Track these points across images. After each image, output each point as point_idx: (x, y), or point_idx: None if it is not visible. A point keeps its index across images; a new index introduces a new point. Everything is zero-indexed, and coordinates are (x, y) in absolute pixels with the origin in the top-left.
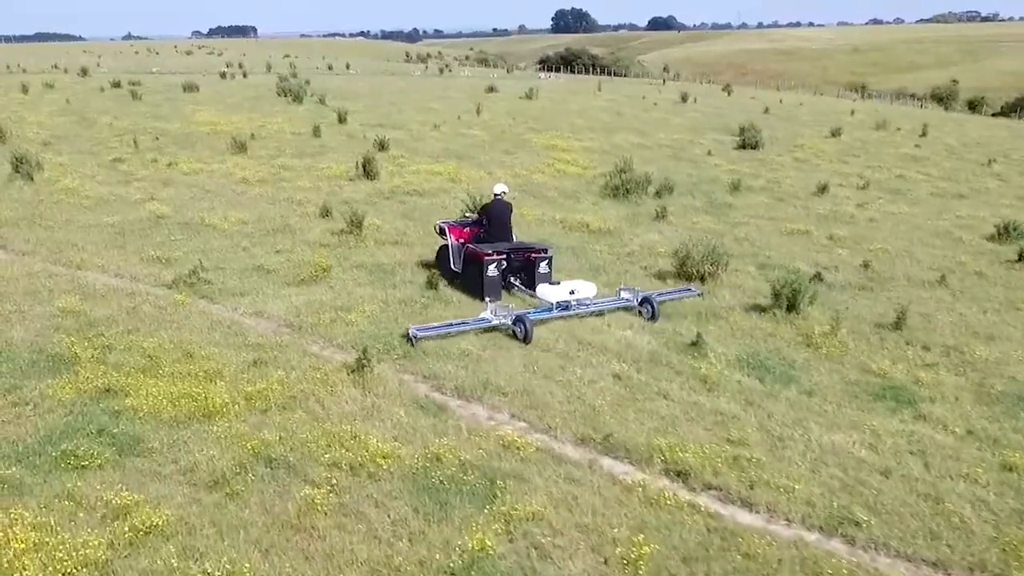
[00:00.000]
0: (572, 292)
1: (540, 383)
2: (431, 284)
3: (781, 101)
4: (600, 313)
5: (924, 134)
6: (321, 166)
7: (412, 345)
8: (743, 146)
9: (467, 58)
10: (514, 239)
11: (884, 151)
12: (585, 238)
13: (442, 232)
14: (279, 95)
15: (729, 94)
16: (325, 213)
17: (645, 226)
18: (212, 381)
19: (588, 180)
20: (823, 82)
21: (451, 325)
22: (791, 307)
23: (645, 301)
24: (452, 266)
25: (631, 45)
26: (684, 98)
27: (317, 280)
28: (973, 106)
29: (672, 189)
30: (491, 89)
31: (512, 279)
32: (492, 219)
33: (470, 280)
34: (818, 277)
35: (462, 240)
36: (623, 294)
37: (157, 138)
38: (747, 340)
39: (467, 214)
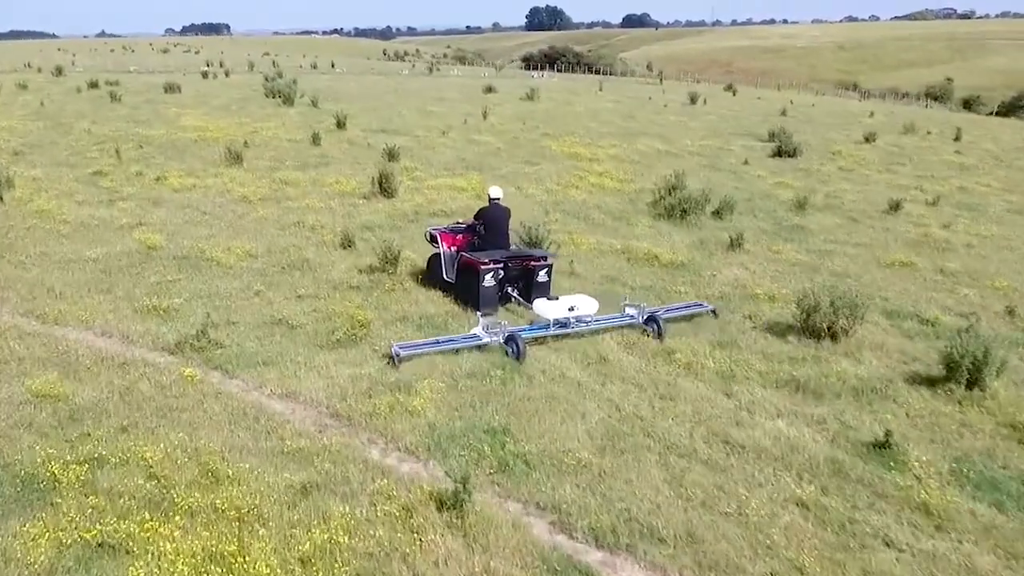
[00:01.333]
0: (571, 309)
1: (702, 518)
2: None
3: (792, 102)
4: (598, 331)
5: (958, 138)
6: (328, 180)
7: (395, 366)
8: (779, 154)
9: (445, 56)
10: (509, 246)
11: (926, 158)
12: (658, 274)
13: (433, 239)
14: (267, 96)
15: (734, 94)
16: (346, 243)
17: (721, 257)
18: (249, 527)
19: (631, 196)
20: (811, 80)
21: (438, 343)
22: (972, 382)
23: (651, 320)
24: (444, 276)
25: (611, 43)
26: (693, 99)
27: (356, 340)
28: (968, 105)
29: (732, 208)
30: (489, 90)
31: (509, 289)
32: (488, 225)
33: (464, 291)
34: (969, 331)
35: (455, 248)
36: (628, 310)
37: (141, 147)
38: (939, 435)
39: (459, 221)
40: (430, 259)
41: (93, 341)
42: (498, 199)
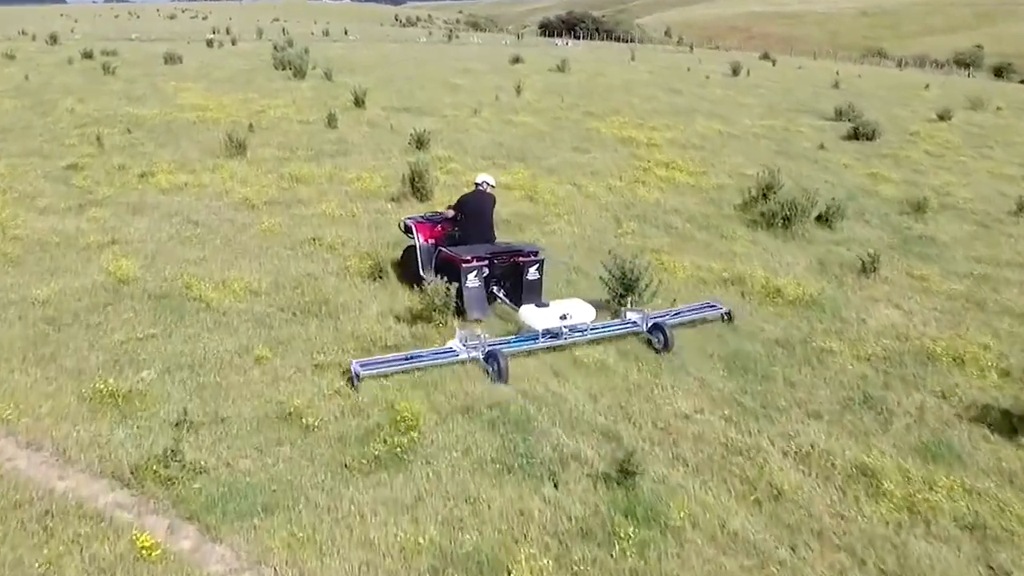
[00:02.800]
0: (564, 317)
1: None
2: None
3: (837, 73)
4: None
5: None
6: (348, 175)
7: (354, 387)
8: (856, 136)
9: (457, 21)
10: (494, 239)
11: (1012, 139)
12: (788, 317)
13: (408, 231)
14: (276, 68)
15: (773, 64)
16: (377, 272)
17: (856, 287)
18: None
19: (710, 195)
20: (834, 47)
21: (407, 359)
22: None
23: (656, 328)
24: (421, 272)
25: (627, 7)
26: (735, 70)
27: (401, 459)
28: (1000, 72)
29: (842, 213)
30: (516, 60)
31: (495, 288)
32: (468, 214)
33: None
34: None
35: (433, 241)
36: (630, 315)
37: (129, 130)
38: None
39: (438, 210)
40: (405, 251)
41: (10, 457)
42: (484, 185)
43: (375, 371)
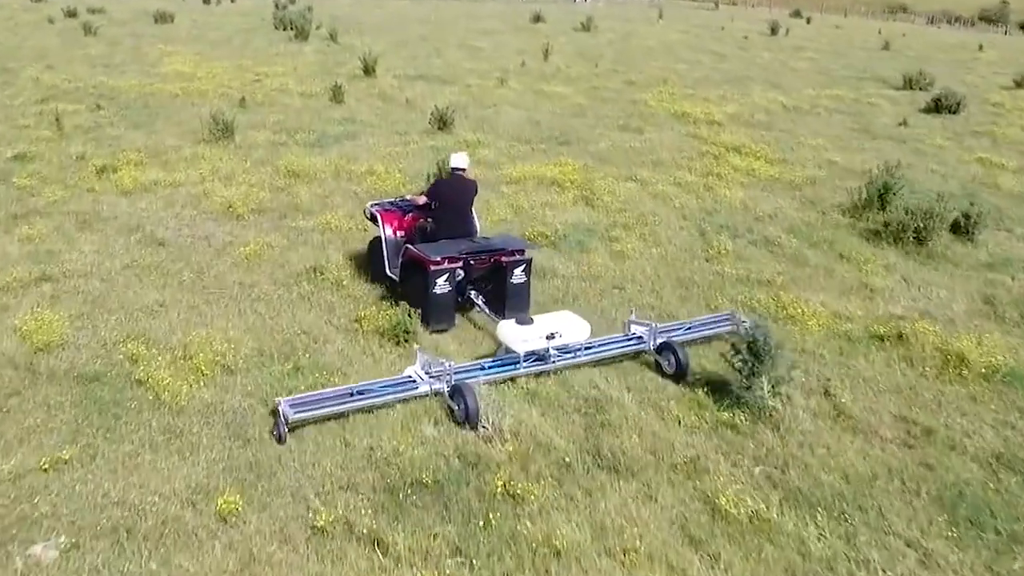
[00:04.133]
0: (552, 336)
1: None
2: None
3: (880, 32)
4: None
5: None
6: (358, 168)
7: (278, 436)
8: (937, 109)
9: None
10: (475, 233)
11: None
12: (991, 407)
13: (374, 219)
14: (277, 28)
15: (808, 22)
16: (403, 331)
17: None
18: None
19: (805, 193)
20: (856, 1)
21: (350, 395)
22: None
23: (666, 348)
24: (388, 271)
25: None
26: (774, 29)
27: None
28: None
29: (983, 222)
30: (537, 19)
31: (473, 294)
32: (444, 203)
33: (411, 297)
34: None
35: (402, 233)
36: (634, 329)
37: (99, 107)
38: None
39: (407, 196)
40: (371, 243)
41: None
42: (462, 170)
43: (310, 412)
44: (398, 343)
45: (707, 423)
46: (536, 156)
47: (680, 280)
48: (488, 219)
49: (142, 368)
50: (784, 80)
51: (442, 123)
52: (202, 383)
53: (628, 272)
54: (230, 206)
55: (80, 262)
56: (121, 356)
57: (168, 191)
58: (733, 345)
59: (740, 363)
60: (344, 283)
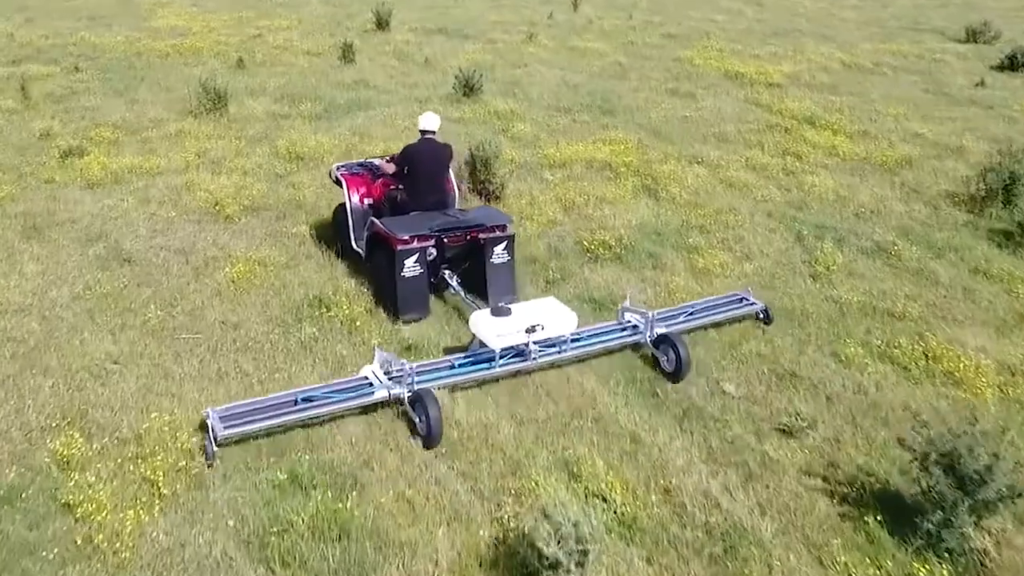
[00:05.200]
0: (532, 329)
1: None
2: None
3: None
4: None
5: None
6: (373, 150)
7: (208, 458)
8: (1012, 66)
9: None
10: (453, 204)
11: None
12: None
13: (339, 183)
14: None
15: None
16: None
17: None
18: None
19: (903, 178)
20: None
21: (294, 403)
22: None
23: (664, 341)
24: (353, 244)
25: None
26: None
27: None
28: None
29: None
30: None
31: (447, 274)
32: (415, 171)
33: (378, 279)
34: None
35: (370, 202)
36: (628, 317)
37: (78, 68)
38: None
39: (374, 159)
40: (336, 212)
41: None
42: (433, 132)
43: (245, 425)
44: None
45: None
46: (579, 130)
47: (789, 313)
48: (536, 221)
49: (73, 481)
50: (836, 33)
51: (468, 88)
52: (158, 508)
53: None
54: (217, 204)
55: (16, 291)
56: (47, 458)
57: (143, 182)
58: (922, 455)
59: (932, 484)
60: (358, 323)
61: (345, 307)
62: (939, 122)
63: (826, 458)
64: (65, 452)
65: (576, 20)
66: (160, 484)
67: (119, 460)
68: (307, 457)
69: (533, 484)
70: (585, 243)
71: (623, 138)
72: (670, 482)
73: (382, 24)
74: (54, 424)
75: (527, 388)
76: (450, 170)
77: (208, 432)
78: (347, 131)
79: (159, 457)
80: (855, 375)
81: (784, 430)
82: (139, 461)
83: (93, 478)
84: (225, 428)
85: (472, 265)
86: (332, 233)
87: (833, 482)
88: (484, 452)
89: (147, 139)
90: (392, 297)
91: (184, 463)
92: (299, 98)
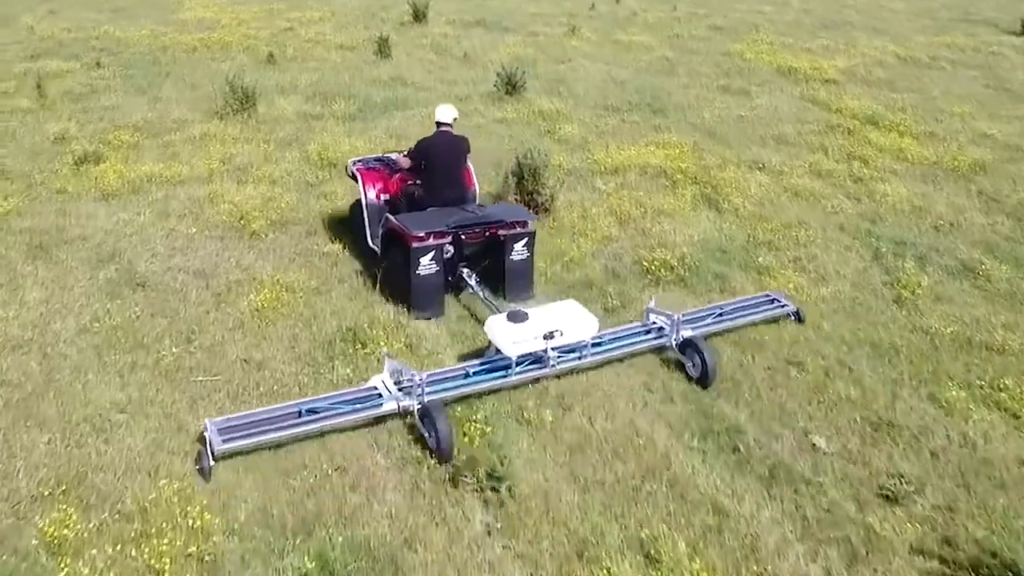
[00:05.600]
0: (550, 335)
1: None
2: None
3: None
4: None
5: None
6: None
7: (203, 474)
8: None
9: None
10: (473, 199)
11: None
12: None
13: (355, 178)
14: None
15: None
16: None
17: None
18: None
19: (980, 186)
20: None
21: (298, 415)
22: None
23: (689, 345)
24: (369, 241)
25: None
26: None
27: None
28: None
29: None
30: None
31: (465, 273)
32: (430, 165)
33: (392, 277)
34: None
35: (387, 197)
36: (653, 318)
37: (99, 64)
38: None
39: (391, 154)
40: (352, 208)
41: None
42: (448, 125)
43: (245, 439)
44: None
45: None
46: (630, 131)
47: (876, 347)
48: (590, 238)
49: (64, 572)
50: (887, 25)
51: (510, 85)
52: None
53: (796, 331)
54: (242, 217)
55: (16, 323)
56: (35, 539)
57: (163, 193)
58: None
59: None
60: (403, 354)
61: (382, 341)
62: (1006, 121)
63: (939, 532)
64: (57, 532)
65: (619, 12)
66: (166, 574)
67: (119, 543)
68: (339, 537)
69: (604, 571)
70: (644, 263)
71: (677, 141)
72: (765, 568)
73: (419, 16)
74: (47, 492)
75: (589, 443)
76: (469, 163)
77: (205, 446)
78: (383, 133)
79: (166, 539)
80: (959, 424)
81: (887, 495)
82: (142, 543)
83: (87, 568)
84: (224, 442)
85: (490, 262)
86: (371, 253)
87: (952, 565)
88: (545, 527)
89: (169, 143)
90: (407, 296)
91: (195, 547)
92: (332, 96)
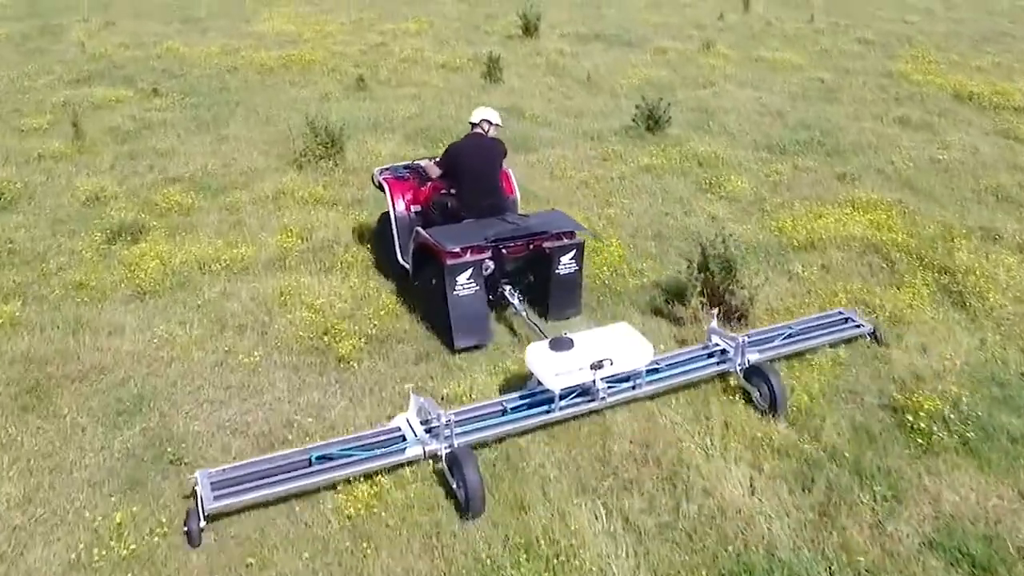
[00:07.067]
0: (599, 365)
1: None
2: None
3: None
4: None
5: None
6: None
7: (190, 539)
8: None
9: None
10: (513, 208)
11: None
12: None
13: (382, 188)
14: None
15: None
16: None
17: None
18: None
19: None
20: None
21: (307, 464)
22: None
23: (756, 372)
24: (399, 258)
25: None
26: None
27: None
28: None
29: None
30: None
31: (507, 291)
32: (462, 172)
33: (428, 298)
34: None
35: (417, 208)
36: (715, 340)
37: (155, 91)
38: None
39: (420, 161)
40: (380, 221)
41: None
42: (483, 125)
43: (243, 494)
44: None
45: None
46: (809, 183)
47: None
48: (811, 363)
49: None
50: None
51: (652, 120)
52: None
53: None
54: (326, 332)
55: None
56: None
57: (219, 288)
58: None
59: None
60: None
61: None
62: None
63: None
64: None
65: (751, 22)
66: None
67: None
68: None
69: None
70: (899, 410)
71: (876, 200)
72: None
73: (529, 29)
74: None
75: None
76: (506, 168)
77: (196, 502)
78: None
79: None
80: None
81: None
82: None
83: None
84: (216, 498)
85: (535, 277)
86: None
87: None
88: None
89: (233, 206)
90: (445, 321)
91: None
92: (437, 135)
